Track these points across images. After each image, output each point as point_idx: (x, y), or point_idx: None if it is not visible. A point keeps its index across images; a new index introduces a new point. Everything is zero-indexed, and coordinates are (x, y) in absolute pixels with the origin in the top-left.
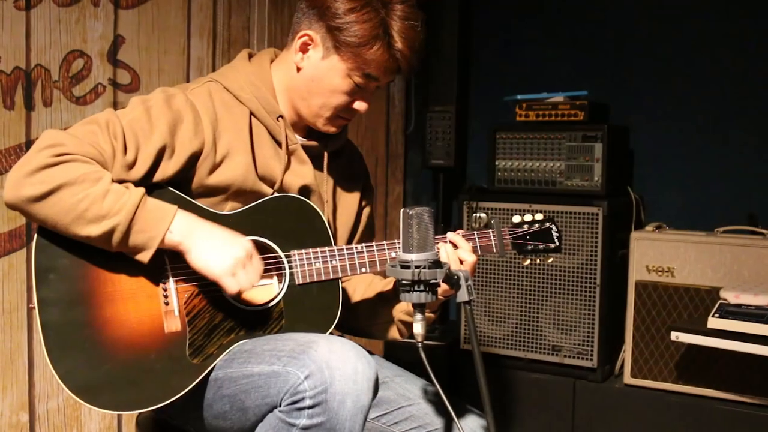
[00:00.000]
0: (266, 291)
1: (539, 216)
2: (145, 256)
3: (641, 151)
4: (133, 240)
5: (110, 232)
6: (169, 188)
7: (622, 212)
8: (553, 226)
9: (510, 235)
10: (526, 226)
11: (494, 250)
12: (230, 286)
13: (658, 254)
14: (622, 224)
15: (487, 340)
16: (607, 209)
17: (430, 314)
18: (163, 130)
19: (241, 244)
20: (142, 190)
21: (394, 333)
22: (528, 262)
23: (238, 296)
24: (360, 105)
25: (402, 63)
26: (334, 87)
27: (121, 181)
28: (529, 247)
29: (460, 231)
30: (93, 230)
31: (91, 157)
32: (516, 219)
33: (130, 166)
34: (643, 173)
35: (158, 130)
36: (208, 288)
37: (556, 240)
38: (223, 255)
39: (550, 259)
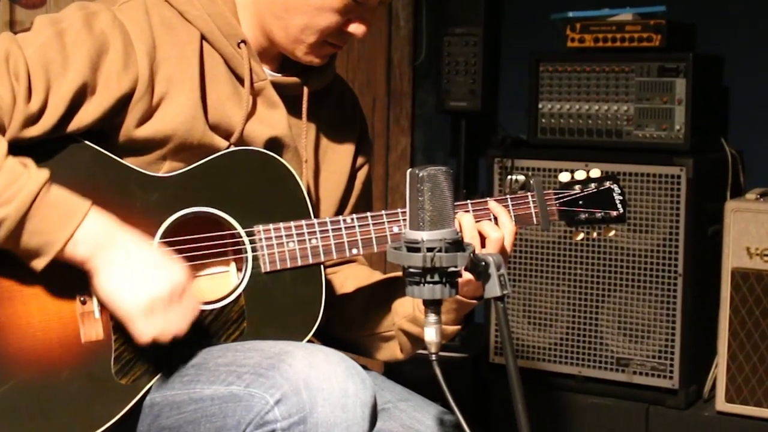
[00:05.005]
0: (221, 282)
1: (596, 173)
2: (38, 264)
3: (740, 89)
4: (25, 242)
5: None
6: (87, 143)
7: (714, 174)
8: (614, 186)
9: (556, 199)
10: (577, 187)
11: (534, 221)
12: (140, 331)
13: (764, 232)
14: (714, 191)
15: (526, 351)
16: (692, 170)
17: (451, 327)
18: (82, 63)
19: (168, 277)
20: (45, 174)
21: (393, 349)
22: (581, 236)
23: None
24: (357, 28)
25: None
26: (323, 3)
27: (21, 141)
28: (583, 216)
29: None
30: None
31: None
32: (564, 177)
33: (35, 118)
34: (742, 120)
35: (75, 63)
36: None
37: (618, 205)
38: (138, 288)
39: (612, 232)
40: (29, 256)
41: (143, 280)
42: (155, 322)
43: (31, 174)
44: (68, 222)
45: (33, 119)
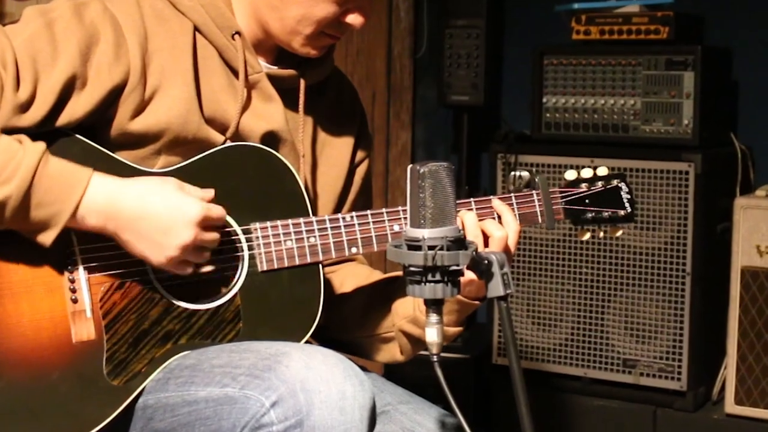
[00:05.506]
0: (217, 281)
1: (603, 171)
2: (47, 237)
3: (750, 82)
4: (32, 217)
5: None
6: (78, 137)
7: (723, 170)
8: (622, 185)
9: (562, 197)
10: (584, 185)
11: (539, 220)
12: (181, 272)
13: None
14: (723, 187)
15: (530, 352)
16: (701, 165)
17: (453, 328)
18: (72, 54)
19: (185, 221)
20: (41, 146)
21: (393, 351)
22: (588, 236)
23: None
24: (355, 18)
25: None
26: None
27: (11, 131)
28: (590, 215)
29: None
30: None
31: None
32: (570, 175)
33: (24, 107)
34: (752, 114)
35: (65, 54)
36: (133, 279)
37: (626, 204)
38: (162, 245)
39: (619, 232)
40: (37, 230)
41: (163, 236)
42: (191, 262)
43: (27, 148)
44: (73, 190)
45: (22, 109)
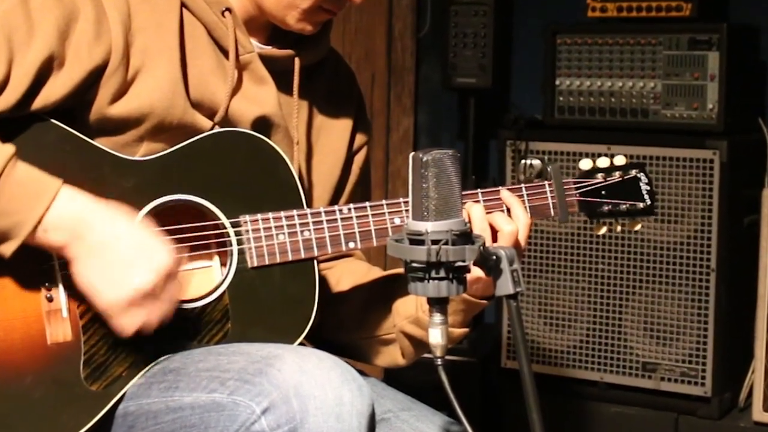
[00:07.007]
0: (203, 278)
1: (620, 160)
2: (7, 248)
3: None
4: None
5: None
6: (54, 122)
7: (751, 158)
8: (641, 175)
9: (576, 189)
10: (600, 175)
11: (551, 213)
12: (121, 326)
13: None
14: (751, 176)
15: (542, 354)
16: (727, 153)
17: (459, 329)
18: (49, 32)
19: (151, 265)
20: (10, 149)
21: (394, 354)
22: (604, 230)
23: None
24: None
25: None
26: None
27: None
28: (606, 208)
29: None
30: None
31: None
32: (585, 164)
33: None
34: None
35: (41, 32)
36: None
37: (645, 196)
38: (118, 281)
39: (638, 226)
40: None
41: (123, 272)
42: (137, 316)
43: None
44: (38, 201)
45: None
